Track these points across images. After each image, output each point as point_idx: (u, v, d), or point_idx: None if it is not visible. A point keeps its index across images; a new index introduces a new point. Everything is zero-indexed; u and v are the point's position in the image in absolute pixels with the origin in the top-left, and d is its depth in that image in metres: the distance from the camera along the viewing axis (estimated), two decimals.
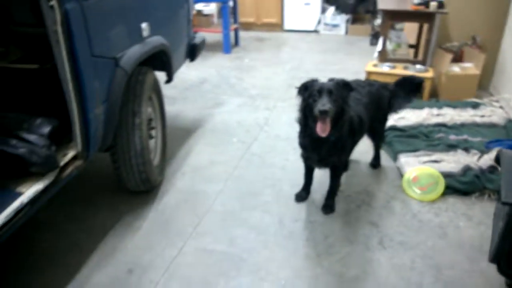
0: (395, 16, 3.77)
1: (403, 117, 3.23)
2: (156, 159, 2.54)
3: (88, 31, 1.72)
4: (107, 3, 1.85)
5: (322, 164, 2.23)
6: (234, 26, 5.45)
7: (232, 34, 5.46)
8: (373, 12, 5.65)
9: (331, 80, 2.06)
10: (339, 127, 2.00)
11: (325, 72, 4.56)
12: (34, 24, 1.99)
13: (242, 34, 6.16)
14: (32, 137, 1.71)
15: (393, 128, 3.08)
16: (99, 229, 2.23)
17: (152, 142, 2.52)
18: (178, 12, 2.74)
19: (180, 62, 2.95)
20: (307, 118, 2.04)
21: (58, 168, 1.75)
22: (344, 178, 2.62)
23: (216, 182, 2.62)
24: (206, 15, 5.58)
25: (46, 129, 1.75)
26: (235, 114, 3.59)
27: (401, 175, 2.61)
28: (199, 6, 6.14)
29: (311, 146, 2.13)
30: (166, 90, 3.93)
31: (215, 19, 6.23)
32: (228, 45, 5.27)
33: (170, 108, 3.67)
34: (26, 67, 1.99)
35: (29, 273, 1.95)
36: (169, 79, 2.72)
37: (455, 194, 2.43)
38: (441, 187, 2.40)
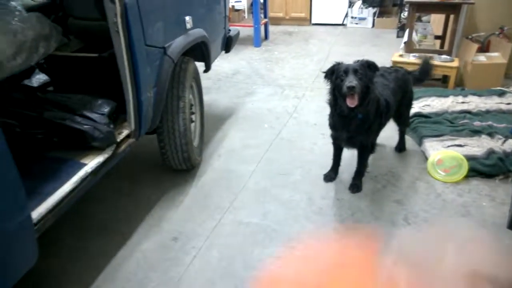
0: (421, 8, 3.86)
1: (428, 105, 3.34)
2: (195, 141, 2.77)
3: (142, 23, 1.94)
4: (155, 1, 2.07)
5: (350, 143, 2.40)
6: (264, 20, 5.64)
7: (262, 28, 5.65)
8: (400, 5, 5.71)
9: (356, 61, 2.21)
10: (365, 104, 2.16)
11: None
12: (92, 18, 2.23)
13: (271, 28, 6.34)
14: (94, 116, 1.95)
15: (418, 115, 3.20)
16: (145, 202, 2.47)
17: (192, 126, 2.74)
18: (216, 6, 2.95)
19: (217, 53, 3.17)
20: (336, 98, 2.21)
21: (115, 144, 2.00)
22: (370, 160, 2.77)
23: (249, 163, 2.83)
24: (238, 10, 5.78)
25: (106, 109, 1.99)
26: (265, 103, 3.79)
27: (425, 158, 2.74)
28: (231, 2, 6.37)
29: (341, 125, 2.31)
30: (202, 81, 4.18)
31: (246, 14, 6.44)
32: (258, 39, 5.46)
33: (205, 97, 3.83)
34: (87, 55, 2.24)
35: (86, 239, 2.19)
36: (207, 69, 2.94)
37: (478, 177, 2.55)
38: (464, 170, 2.52)
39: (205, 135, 3.02)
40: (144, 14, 1.95)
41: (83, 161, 1.88)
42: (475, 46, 3.66)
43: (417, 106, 3.34)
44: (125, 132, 2.10)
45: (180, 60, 2.43)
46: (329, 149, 2.94)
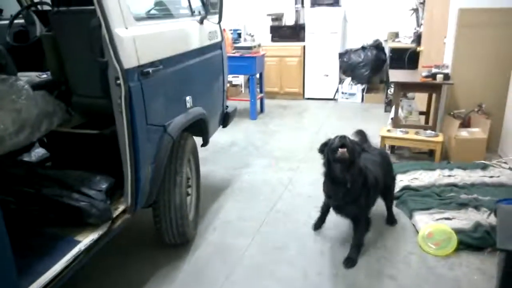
0: (406, 87, 4.15)
1: (417, 178, 3.46)
2: (191, 215, 2.82)
3: (145, 104, 2.11)
4: (160, 81, 2.26)
5: (340, 210, 2.55)
6: (260, 95, 5.96)
7: (258, 102, 5.95)
8: (387, 82, 6.09)
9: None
10: (353, 171, 2.34)
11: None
12: (95, 96, 2.41)
13: (267, 102, 6.65)
14: (92, 192, 2.04)
15: (407, 188, 3.31)
16: (138, 279, 2.45)
17: (188, 199, 2.82)
18: (215, 86, 3.18)
19: (215, 128, 3.34)
20: (329, 165, 2.41)
21: (111, 220, 2.06)
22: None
23: (245, 236, 2.86)
24: (235, 85, 6.13)
25: (104, 185, 2.08)
26: (261, 174, 3.90)
27: (416, 232, 2.79)
28: (229, 77, 6.77)
29: (331, 190, 2.49)
30: (200, 152, 4.32)
31: (243, 89, 6.81)
32: (255, 112, 5.72)
33: (202, 168, 3.95)
34: (88, 132, 2.38)
35: None
36: (204, 143, 3.09)
37: (468, 249, 2.59)
38: (454, 242, 2.57)
39: (200, 206, 3.08)
40: (147, 96, 2.12)
41: (78, 238, 1.93)
42: (457, 122, 3.89)
43: (406, 179, 3.46)
44: (121, 208, 2.18)
45: (179, 136, 2.58)
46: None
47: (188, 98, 2.58)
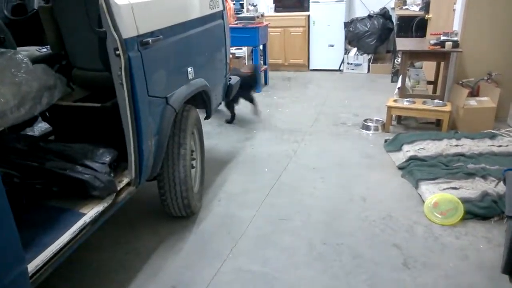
0: (413, 56, 4.04)
1: (423, 148, 3.42)
2: (196, 187, 2.82)
3: (145, 76, 2.06)
4: (160, 52, 2.21)
5: None
6: (263, 67, 5.86)
7: (262, 74, 5.85)
8: (393, 52, 5.95)
9: None
10: None
11: (349, 107, 4.83)
12: (96, 69, 2.36)
13: (271, 74, 6.55)
14: (95, 165, 2.03)
15: (414, 158, 3.27)
16: (143, 251, 2.47)
17: (193, 172, 2.81)
18: (217, 57, 3.11)
19: (218, 101, 3.29)
20: None
21: (115, 193, 2.05)
22: (369, 204, 2.82)
23: (250, 208, 2.86)
24: (238, 57, 6.02)
25: (108, 158, 2.07)
26: (265, 147, 3.87)
27: (422, 201, 2.77)
28: (232, 49, 6.64)
29: None
30: (203, 126, 4.27)
31: (246, 61, 6.69)
32: (259, 85, 5.63)
33: (206, 142, 3.93)
34: (90, 105, 2.35)
35: None
36: (208, 116, 3.05)
37: (474, 219, 2.57)
38: (460, 212, 2.55)
39: (205, 180, 3.08)
40: (148, 67, 2.08)
41: (82, 210, 1.93)
42: (466, 91, 3.80)
43: (412, 149, 3.41)
44: (125, 180, 2.17)
45: (181, 108, 2.54)
46: (328, 193, 3.00)
47: (189, 69, 2.53)
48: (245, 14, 5.58)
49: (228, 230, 2.64)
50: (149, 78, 2.10)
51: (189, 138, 2.54)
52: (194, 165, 2.84)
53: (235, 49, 6.60)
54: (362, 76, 6.34)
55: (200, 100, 2.87)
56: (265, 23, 5.73)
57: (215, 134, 4.25)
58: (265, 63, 5.95)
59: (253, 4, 6.20)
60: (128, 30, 1.94)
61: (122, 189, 2.15)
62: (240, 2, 6.64)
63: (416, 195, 2.90)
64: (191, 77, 2.55)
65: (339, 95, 5.41)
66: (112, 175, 2.07)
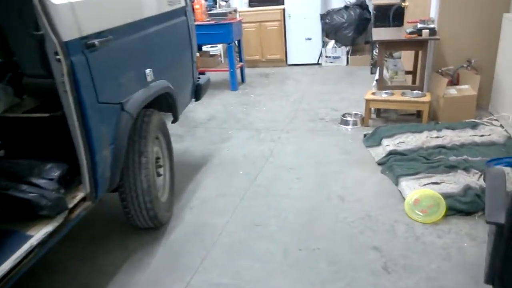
0: (390, 46, 3.91)
1: (403, 142, 3.30)
2: (164, 196, 2.65)
3: (93, 80, 1.88)
4: (111, 54, 2.02)
5: None
6: (239, 64, 5.69)
7: (238, 71, 5.69)
8: (371, 43, 5.83)
9: None
10: None
11: (327, 102, 4.70)
12: (44, 76, 2.17)
13: (248, 71, 6.39)
14: (42, 182, 1.84)
15: (394, 153, 3.15)
16: (109, 268, 2.30)
17: (160, 180, 2.64)
18: (181, 57, 2.93)
19: (185, 102, 3.12)
20: None
21: (67, 210, 1.87)
22: (347, 203, 2.68)
23: (223, 214, 2.70)
24: (213, 55, 5.83)
25: (56, 173, 1.88)
26: (241, 148, 3.71)
27: (403, 199, 2.65)
28: (206, 47, 6.47)
29: None
30: (175, 129, 4.15)
31: (222, 59, 6.52)
32: (235, 83, 5.48)
33: (178, 146, 3.83)
34: (38, 116, 2.16)
35: None
36: (174, 119, 2.87)
37: (457, 215, 2.46)
38: (442, 209, 2.43)
39: (177, 186, 2.92)
40: (96, 72, 1.90)
41: (29, 232, 1.75)
42: (445, 80, 3.69)
43: (392, 144, 3.29)
44: (80, 195, 1.99)
45: (141, 113, 2.37)
46: (305, 193, 2.86)
47: (148, 71, 2.35)
48: (217, 10, 5.39)
49: (199, 239, 2.48)
50: (99, 83, 1.92)
51: (151, 145, 2.37)
52: (161, 172, 2.67)
53: (211, 47, 6.43)
54: (341, 69, 6.22)
55: (165, 103, 2.70)
56: (238, 18, 5.55)
57: (188, 137, 4.07)
58: (240, 60, 5.78)
59: None
60: (69, 31, 1.76)
61: (76, 205, 1.98)
62: None
63: (396, 192, 2.78)
64: (150, 80, 2.37)
65: (318, 89, 5.28)
66: (62, 191, 1.89)
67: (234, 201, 2.84)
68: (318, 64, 6.46)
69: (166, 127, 2.74)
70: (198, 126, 4.36)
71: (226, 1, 5.71)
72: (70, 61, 1.75)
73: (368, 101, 3.79)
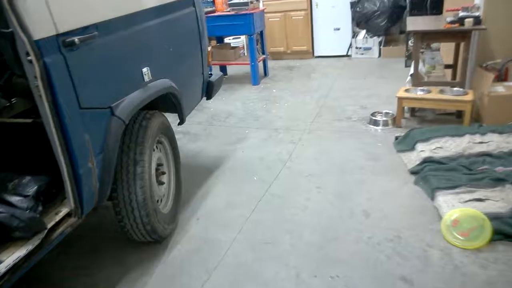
0: (427, 37, 3.46)
1: (441, 147, 2.90)
2: (167, 207, 2.41)
3: (74, 84, 1.63)
4: (97, 52, 1.77)
5: None
6: (261, 57, 5.36)
7: (261, 65, 5.37)
8: (407, 33, 5.33)
9: None
10: None
11: (355, 98, 4.31)
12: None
13: (272, 63, 6.07)
14: (15, 199, 1.62)
15: (430, 161, 2.75)
16: (104, 284, 2.10)
17: (162, 189, 2.40)
18: (189, 52, 2.65)
19: (194, 102, 2.85)
20: None
21: (46, 230, 1.65)
22: (373, 220, 2.34)
23: (231, 228, 2.43)
24: (234, 48, 5.53)
25: (32, 189, 1.66)
26: (257, 149, 3.42)
27: (439, 217, 2.28)
28: (228, 39, 6.18)
29: None
30: (191, 127, 3.92)
31: (245, 51, 6.21)
32: (256, 77, 5.17)
33: (192, 146, 3.59)
34: (20, 121, 1.95)
35: None
36: (181, 121, 2.61)
37: (505, 240, 2.06)
38: (487, 232, 2.05)
39: (185, 191, 2.72)
40: (78, 73, 1.64)
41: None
42: (491, 75, 3.22)
43: (428, 149, 2.90)
44: (65, 211, 1.76)
45: (139, 116, 2.12)
46: (324, 206, 2.54)
47: (145, 70, 2.08)
48: (235, 0, 5.08)
49: (202, 258, 2.22)
50: (81, 86, 1.67)
51: (149, 152, 2.11)
52: (164, 180, 2.42)
53: (233, 39, 6.14)
54: (372, 61, 5.76)
55: (169, 103, 2.44)
56: (261, 8, 5.21)
57: (203, 136, 3.81)
58: (263, 52, 5.45)
59: None
60: (42, 28, 1.51)
61: (61, 221, 1.75)
62: None
63: (431, 208, 2.40)
64: (148, 79, 2.11)
65: (346, 84, 4.88)
66: (39, 208, 1.67)
67: (244, 213, 2.56)
68: (347, 56, 6.04)
69: (170, 130, 2.49)
70: (214, 124, 4.09)
71: None
72: (44, 62, 1.50)
73: (400, 99, 3.38)
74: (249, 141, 3.61)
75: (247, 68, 5.41)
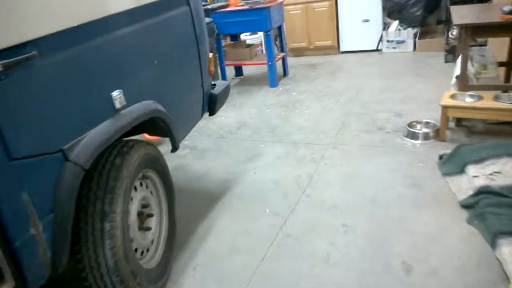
0: (478, 32, 2.82)
1: (500, 172, 2.30)
2: (155, 257, 1.95)
3: (1, 127, 1.18)
4: (40, 79, 1.31)
5: None
6: (280, 55, 4.82)
7: (279, 63, 4.84)
8: (447, 22, 4.66)
9: None
10: None
11: (389, 103, 3.72)
12: None
13: (293, 61, 5.52)
14: None
15: (486, 191, 2.17)
16: None
17: (149, 235, 1.94)
18: (181, 62, 2.16)
19: (191, 122, 2.38)
20: None
21: None
22: (416, 278, 1.79)
23: (235, 284, 1.95)
24: (249, 45, 5.01)
25: None
26: (272, 170, 2.92)
27: (506, 276, 1.71)
28: (244, 36, 5.67)
29: None
30: (199, 141, 3.47)
31: (263, 48, 5.68)
32: (274, 78, 4.64)
33: (198, 166, 3.14)
34: None
35: None
36: (174, 148, 2.13)
37: None
38: None
39: (182, 229, 2.29)
40: (6, 111, 1.20)
41: None
42: None
43: (482, 174, 2.31)
44: None
45: (111, 151, 1.67)
46: (352, 255, 2.02)
47: (116, 93, 1.61)
48: None
49: None
50: (13, 128, 1.22)
51: (123, 200, 1.65)
52: (151, 225, 1.96)
53: (249, 35, 5.61)
54: (406, 56, 5.11)
55: (159, 126, 1.98)
56: (279, 0, 4.65)
57: (211, 152, 3.34)
58: (282, 50, 4.91)
59: None
60: None
61: None
62: None
63: (492, 260, 1.84)
64: (120, 105, 1.64)
65: (376, 85, 4.27)
66: None
67: (251, 263, 2.06)
68: (377, 50, 5.40)
69: (160, 161, 2.02)
70: (225, 137, 3.61)
71: None
72: None
73: (445, 108, 2.79)
74: (263, 158, 3.11)
75: (265, 67, 4.88)
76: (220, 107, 2.65)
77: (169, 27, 2.03)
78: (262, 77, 4.96)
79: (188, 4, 2.18)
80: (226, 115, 4.07)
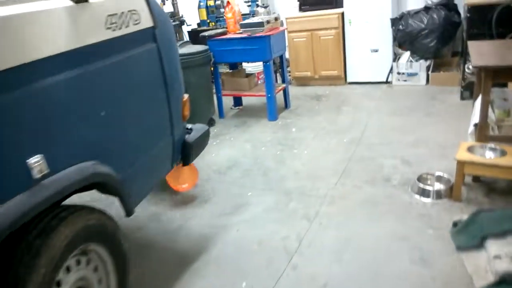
0: (501, 75, 2.42)
1: None
2: None
3: None
4: None
5: None
6: (281, 86, 4.47)
7: (280, 94, 4.49)
8: (463, 54, 4.27)
9: None
10: None
11: (397, 146, 3.31)
12: None
13: (297, 91, 5.18)
14: None
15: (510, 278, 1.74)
16: None
17: None
18: (141, 109, 1.82)
19: (153, 178, 2.01)
20: None
21: None
22: None
23: None
24: (249, 75, 4.69)
25: None
26: (257, 227, 2.52)
27: None
28: (244, 64, 5.36)
29: None
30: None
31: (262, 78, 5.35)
32: (273, 111, 4.28)
33: (175, 215, 2.77)
34: None
35: None
36: (128, 213, 1.76)
37: None
38: None
39: None
40: None
41: None
42: None
43: (505, 254, 1.88)
44: None
45: (32, 228, 1.31)
46: None
47: (34, 160, 1.26)
48: (251, 19, 4.23)
49: None
50: None
51: None
52: None
53: (250, 65, 5.29)
54: (418, 90, 4.71)
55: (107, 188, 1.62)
56: (281, 28, 4.33)
57: (195, 198, 2.96)
58: (283, 81, 4.56)
59: (263, 4, 4.81)
60: None
61: None
62: (257, 2, 5.31)
63: None
64: (40, 174, 1.28)
65: (384, 122, 3.88)
66: None
67: None
68: (387, 82, 5.02)
69: (106, 230, 1.65)
70: (212, 178, 3.24)
71: (265, 7, 4.49)
72: None
73: (461, 163, 2.38)
74: (249, 210, 2.72)
75: (265, 100, 4.53)
76: (197, 155, 2.30)
77: (125, 69, 1.69)
78: (262, 108, 4.61)
79: (155, 41, 1.85)
80: (217, 151, 3.72)
